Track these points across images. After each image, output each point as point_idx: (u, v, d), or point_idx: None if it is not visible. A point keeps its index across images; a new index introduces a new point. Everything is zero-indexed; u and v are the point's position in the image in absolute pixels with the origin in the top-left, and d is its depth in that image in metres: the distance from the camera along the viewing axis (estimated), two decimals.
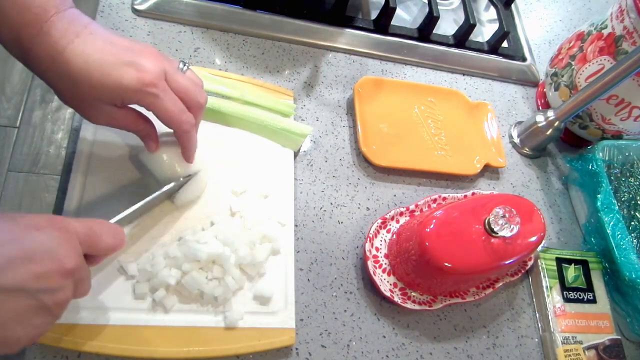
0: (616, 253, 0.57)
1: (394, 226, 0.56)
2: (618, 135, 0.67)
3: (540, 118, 0.67)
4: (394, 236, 0.55)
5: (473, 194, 0.60)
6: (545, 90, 0.74)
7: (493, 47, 0.77)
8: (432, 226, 0.48)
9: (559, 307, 0.57)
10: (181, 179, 0.47)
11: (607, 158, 0.65)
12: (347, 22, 0.71)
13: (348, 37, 0.70)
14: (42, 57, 0.38)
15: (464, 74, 0.75)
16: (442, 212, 0.50)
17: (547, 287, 0.58)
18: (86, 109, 0.41)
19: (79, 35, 0.38)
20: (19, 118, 1.50)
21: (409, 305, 0.51)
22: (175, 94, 0.42)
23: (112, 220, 0.41)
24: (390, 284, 0.53)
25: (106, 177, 0.48)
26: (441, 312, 0.55)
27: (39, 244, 0.31)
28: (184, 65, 0.44)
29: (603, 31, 0.63)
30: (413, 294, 0.53)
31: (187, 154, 0.47)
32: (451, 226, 0.49)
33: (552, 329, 0.55)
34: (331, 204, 0.57)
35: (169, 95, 0.41)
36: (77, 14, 0.40)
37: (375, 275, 0.52)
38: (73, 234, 0.34)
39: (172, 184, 0.47)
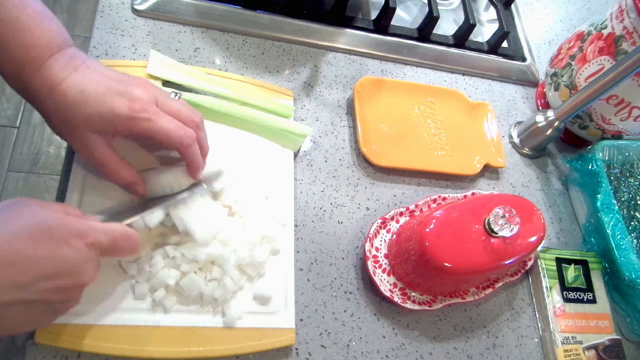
0: (616, 253, 0.57)
1: (393, 226, 0.56)
2: (618, 135, 0.67)
3: (540, 118, 0.67)
4: (394, 236, 0.55)
5: (473, 194, 0.60)
6: (545, 90, 0.74)
7: (493, 47, 0.77)
8: (432, 226, 0.48)
9: (558, 307, 0.57)
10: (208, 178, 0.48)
11: (607, 158, 0.65)
12: (347, 22, 0.70)
13: (348, 37, 0.70)
14: (40, 88, 0.40)
15: (463, 74, 0.75)
16: (442, 212, 0.50)
17: (547, 287, 0.58)
18: (77, 139, 0.42)
19: (77, 69, 0.41)
20: (19, 118, 1.50)
21: (409, 305, 0.52)
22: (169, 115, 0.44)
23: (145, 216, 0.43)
24: (390, 284, 0.53)
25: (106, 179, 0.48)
26: (441, 312, 0.55)
27: (66, 261, 0.34)
28: (175, 95, 0.46)
29: (603, 31, 0.63)
30: (413, 294, 0.53)
31: (193, 169, 0.46)
32: (451, 226, 0.49)
33: (552, 329, 0.55)
34: (331, 204, 0.57)
35: (163, 116, 0.42)
36: (77, 51, 0.42)
37: (375, 275, 0.52)
38: (98, 249, 0.37)
39: (200, 187, 0.47)
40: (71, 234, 0.35)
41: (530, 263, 0.58)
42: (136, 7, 0.61)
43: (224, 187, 0.49)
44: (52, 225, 0.34)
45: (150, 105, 0.42)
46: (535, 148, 0.70)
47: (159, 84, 0.54)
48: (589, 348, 0.55)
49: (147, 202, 0.45)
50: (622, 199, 0.64)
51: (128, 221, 0.42)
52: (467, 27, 0.73)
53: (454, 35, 0.76)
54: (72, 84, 0.40)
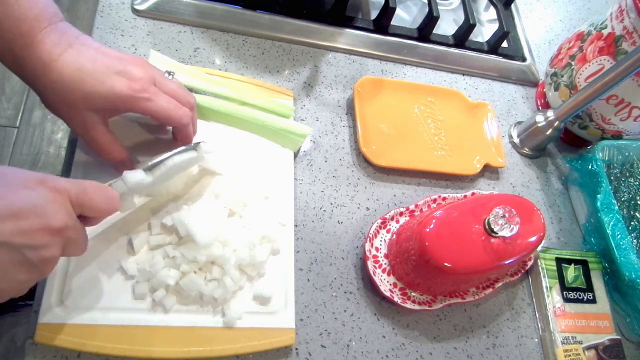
0: (616, 253, 0.57)
1: (393, 226, 0.56)
2: (618, 135, 0.67)
3: (540, 118, 0.67)
4: (394, 236, 0.55)
5: (473, 194, 0.60)
6: (545, 90, 0.74)
7: (493, 47, 0.77)
8: (432, 226, 0.48)
9: (558, 307, 0.57)
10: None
11: (607, 158, 0.65)
12: (347, 22, 0.71)
13: (348, 37, 0.70)
14: (35, 64, 0.39)
15: (463, 74, 0.75)
16: (442, 212, 0.50)
17: (546, 287, 0.58)
18: (73, 116, 0.42)
19: (71, 45, 0.40)
20: (19, 118, 1.50)
21: (409, 305, 0.51)
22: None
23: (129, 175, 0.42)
24: (390, 284, 0.53)
25: (106, 177, 0.48)
26: (441, 312, 0.55)
27: (27, 201, 0.32)
28: (169, 74, 0.47)
29: (603, 31, 0.63)
30: (413, 294, 0.53)
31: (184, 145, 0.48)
32: (451, 226, 0.49)
33: (552, 329, 0.55)
34: (331, 204, 0.57)
35: (162, 96, 0.43)
36: (68, 26, 0.42)
37: (375, 275, 0.52)
38: (64, 194, 0.34)
39: (182, 148, 0.46)
40: (30, 180, 0.33)
41: (530, 263, 0.58)
42: (136, 7, 0.61)
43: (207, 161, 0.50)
44: (7, 173, 0.33)
45: (149, 84, 0.42)
46: (535, 148, 0.70)
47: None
48: (589, 348, 0.55)
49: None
50: (622, 199, 0.64)
51: (108, 183, 0.41)
52: (467, 27, 0.73)
53: (454, 35, 0.76)
54: (68, 61, 0.39)
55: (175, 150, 0.45)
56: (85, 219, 0.38)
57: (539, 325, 0.58)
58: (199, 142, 0.48)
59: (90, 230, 0.45)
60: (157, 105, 0.43)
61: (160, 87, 0.44)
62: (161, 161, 0.44)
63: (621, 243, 0.57)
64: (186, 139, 0.47)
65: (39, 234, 0.32)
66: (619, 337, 0.57)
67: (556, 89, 0.70)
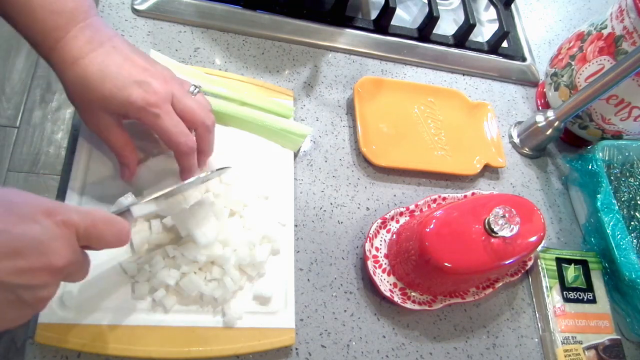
0: (616, 253, 0.57)
1: (393, 226, 0.56)
2: (618, 135, 0.67)
3: (540, 118, 0.67)
4: (394, 236, 0.55)
5: (473, 194, 0.60)
6: (545, 90, 0.74)
7: (493, 47, 0.77)
8: (432, 226, 0.48)
9: (558, 307, 0.57)
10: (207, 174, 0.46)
11: (607, 158, 0.65)
12: (347, 22, 0.71)
13: (348, 37, 0.70)
14: (65, 58, 0.40)
15: (463, 74, 0.75)
16: (442, 212, 0.50)
17: (547, 287, 0.58)
18: (89, 113, 0.43)
19: (102, 45, 0.41)
20: (19, 118, 1.50)
21: (409, 305, 0.52)
22: (181, 115, 0.44)
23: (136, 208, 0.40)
24: (390, 284, 0.53)
25: (106, 178, 0.48)
26: (441, 312, 0.55)
27: (30, 237, 0.29)
28: (195, 88, 0.46)
29: (603, 31, 0.63)
30: (413, 294, 0.53)
31: (184, 175, 0.46)
32: (451, 226, 0.49)
33: (552, 329, 0.55)
34: (331, 204, 0.57)
35: (171, 117, 0.43)
36: (103, 23, 0.43)
37: (375, 275, 0.52)
38: (72, 228, 0.32)
39: (195, 177, 0.44)
40: (37, 210, 0.30)
41: (530, 263, 0.58)
42: (136, 7, 0.61)
43: (221, 185, 0.50)
44: (14, 200, 0.30)
45: (164, 102, 0.42)
46: (535, 148, 0.70)
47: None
48: (589, 348, 0.55)
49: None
50: (622, 199, 0.64)
51: (114, 209, 0.40)
52: (467, 27, 0.73)
53: (454, 35, 0.76)
54: (94, 61, 0.40)
55: (184, 183, 0.43)
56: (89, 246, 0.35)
57: (539, 325, 0.58)
58: (209, 175, 0.45)
59: None
60: (163, 124, 0.42)
61: (176, 104, 0.43)
62: (167, 192, 0.42)
63: (621, 243, 0.57)
64: (184, 168, 0.45)
65: (37, 273, 0.30)
66: (619, 337, 0.57)
67: (556, 89, 0.70)
